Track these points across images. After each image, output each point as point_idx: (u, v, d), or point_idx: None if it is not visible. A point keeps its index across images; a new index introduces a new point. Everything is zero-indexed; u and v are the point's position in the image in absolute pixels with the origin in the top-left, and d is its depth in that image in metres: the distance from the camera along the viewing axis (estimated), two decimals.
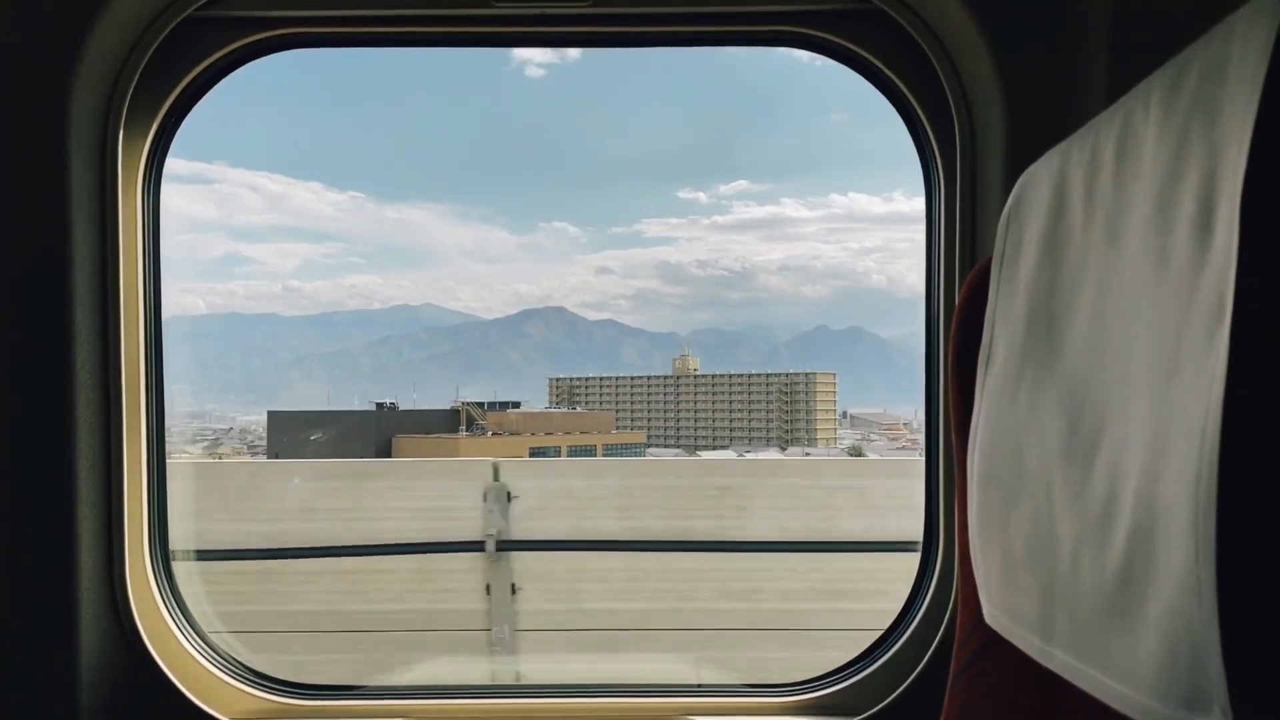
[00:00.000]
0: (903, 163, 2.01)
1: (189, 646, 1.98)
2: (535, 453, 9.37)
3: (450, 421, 9.47)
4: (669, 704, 2.00)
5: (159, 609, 1.97)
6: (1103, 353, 0.83)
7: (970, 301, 1.14)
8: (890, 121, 2.00)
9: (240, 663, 2.04)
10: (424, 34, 1.99)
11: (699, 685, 2.15)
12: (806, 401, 15.30)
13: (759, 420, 15.28)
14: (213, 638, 2.06)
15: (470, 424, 9.39)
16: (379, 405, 10.09)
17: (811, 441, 14.60)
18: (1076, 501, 0.85)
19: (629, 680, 2.23)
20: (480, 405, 10.04)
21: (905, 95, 1.93)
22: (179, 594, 2.03)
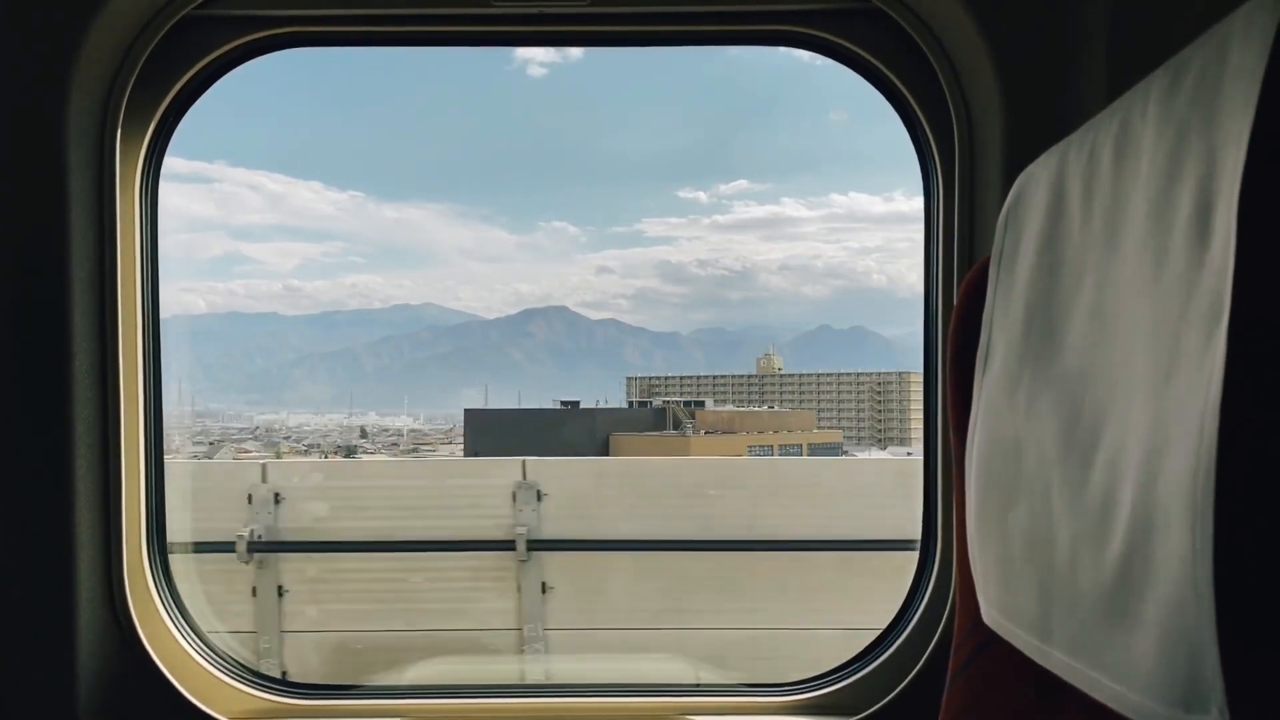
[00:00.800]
0: (903, 162, 2.01)
1: (187, 645, 1.98)
2: (752, 451, 9.26)
3: (653, 419, 9.39)
4: (667, 703, 2.00)
5: (157, 608, 1.96)
6: (1101, 353, 0.83)
7: (968, 301, 1.14)
8: (891, 121, 2.01)
9: (238, 662, 2.04)
10: (422, 33, 1.99)
11: (697, 685, 2.15)
12: (899, 401, 15.19)
13: (849, 419, 15.17)
14: (210, 637, 2.05)
15: (677, 423, 9.34)
16: (564, 403, 10.04)
17: (905, 441, 14.51)
18: (1074, 501, 0.84)
19: (627, 680, 2.23)
20: (680, 403, 9.97)
21: (904, 95, 1.93)
22: (177, 592, 2.03)
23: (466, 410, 9.36)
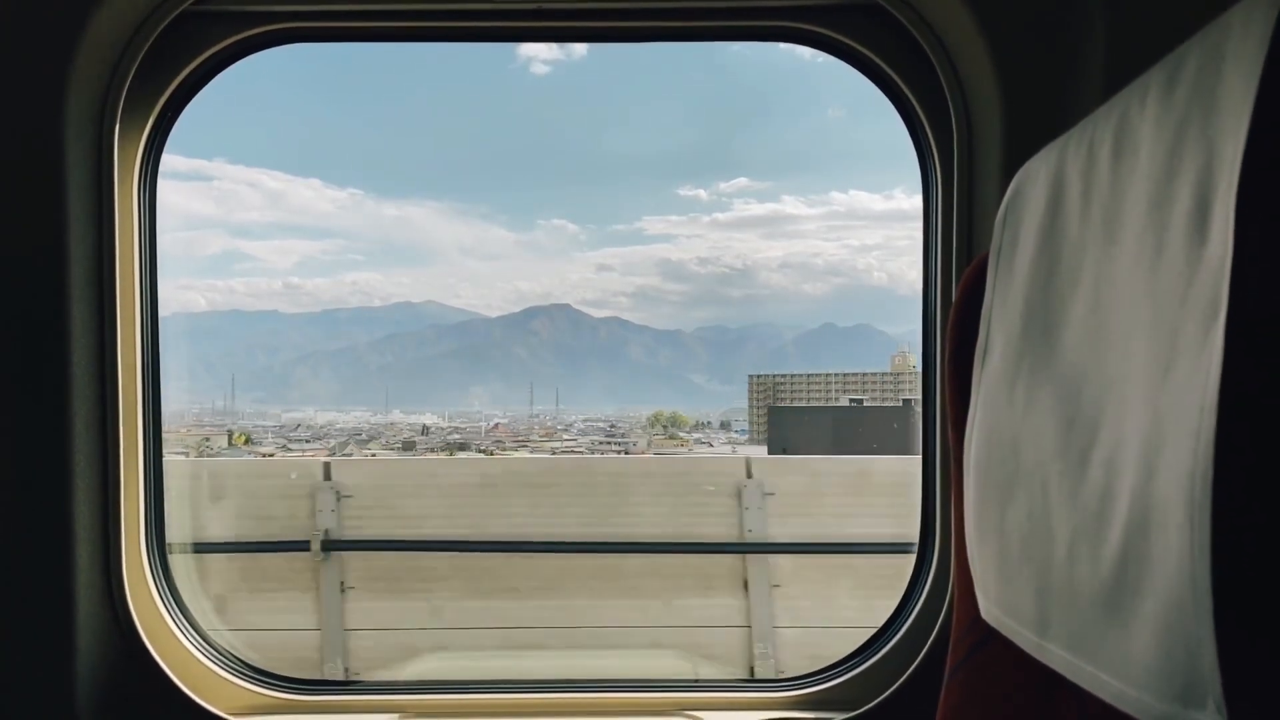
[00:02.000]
0: (903, 160, 2.01)
1: (185, 642, 1.98)
2: None
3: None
4: (666, 699, 2.00)
5: (156, 604, 1.97)
6: (1099, 348, 0.83)
7: (967, 297, 1.14)
8: (891, 118, 2.00)
9: (236, 657, 2.04)
10: (420, 29, 1.99)
11: (696, 680, 2.15)
12: None
13: None
14: (209, 634, 2.05)
15: None
16: (853, 401, 10.05)
17: None
18: (1072, 497, 0.84)
19: (627, 675, 2.23)
20: None
21: (903, 92, 1.93)
22: (176, 589, 2.03)
23: (771, 408, 9.33)
